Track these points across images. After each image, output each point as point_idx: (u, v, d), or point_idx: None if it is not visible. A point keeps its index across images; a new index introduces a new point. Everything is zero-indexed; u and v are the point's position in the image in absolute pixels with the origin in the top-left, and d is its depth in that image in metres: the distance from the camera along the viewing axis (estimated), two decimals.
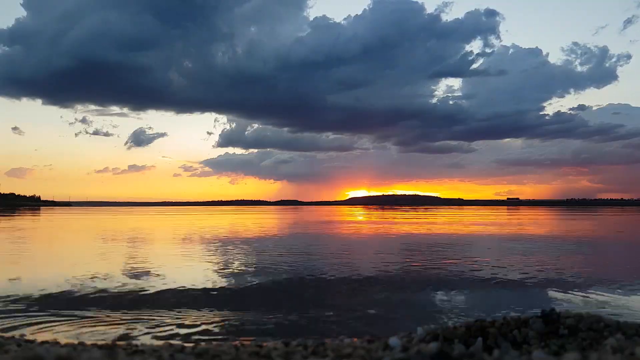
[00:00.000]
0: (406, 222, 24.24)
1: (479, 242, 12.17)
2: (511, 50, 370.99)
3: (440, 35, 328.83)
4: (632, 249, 11.19)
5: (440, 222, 25.19)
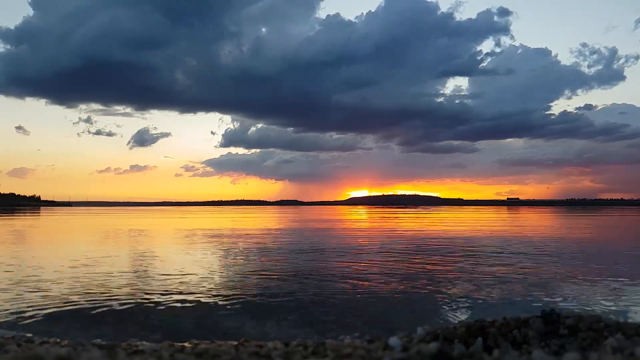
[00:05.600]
0: (400, 223, 24.25)
1: (478, 243, 12.17)
2: (520, 50, 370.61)
3: (452, 34, 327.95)
4: (631, 249, 11.19)
5: (434, 223, 25.19)
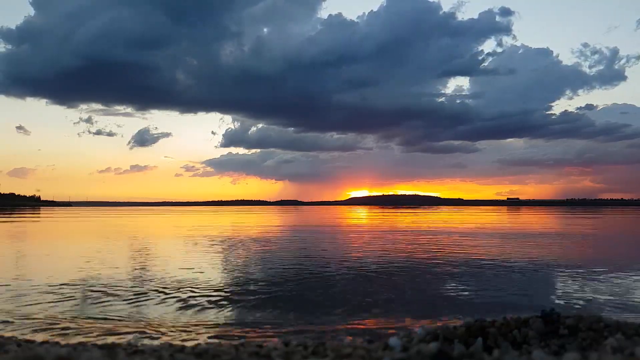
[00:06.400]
0: (400, 223, 24.25)
1: (478, 242, 12.18)
2: (521, 50, 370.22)
3: (454, 34, 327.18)
4: (631, 249, 11.20)
5: (434, 222, 25.19)
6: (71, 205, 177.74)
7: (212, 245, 11.37)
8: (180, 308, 4.55)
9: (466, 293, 5.36)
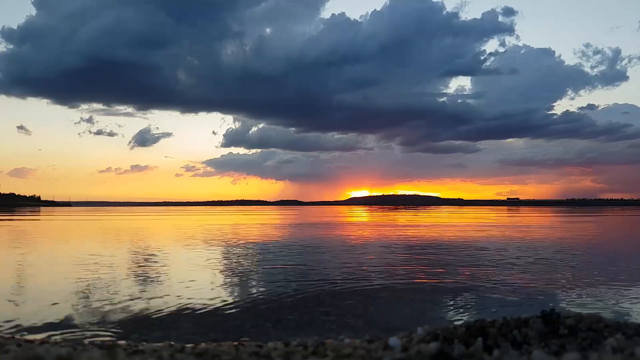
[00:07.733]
0: (400, 223, 24.24)
1: (477, 243, 12.17)
2: (523, 50, 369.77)
3: (457, 33, 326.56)
4: (631, 249, 11.19)
5: (434, 223, 25.18)
6: (71, 205, 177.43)
7: (212, 247, 11.38)
8: (180, 308, 4.55)
9: (468, 295, 5.36)
